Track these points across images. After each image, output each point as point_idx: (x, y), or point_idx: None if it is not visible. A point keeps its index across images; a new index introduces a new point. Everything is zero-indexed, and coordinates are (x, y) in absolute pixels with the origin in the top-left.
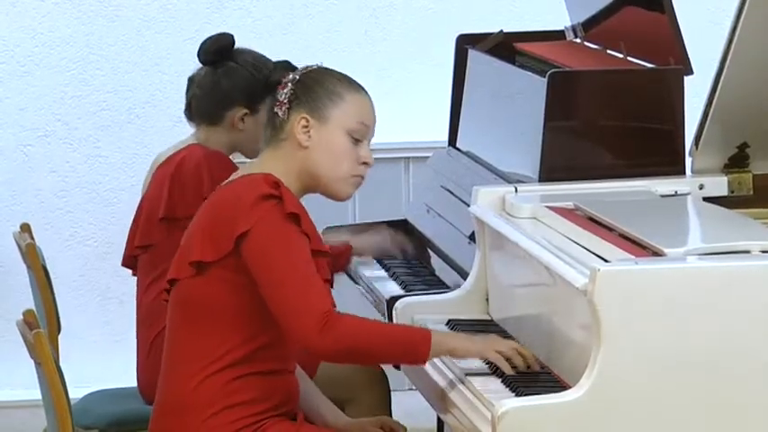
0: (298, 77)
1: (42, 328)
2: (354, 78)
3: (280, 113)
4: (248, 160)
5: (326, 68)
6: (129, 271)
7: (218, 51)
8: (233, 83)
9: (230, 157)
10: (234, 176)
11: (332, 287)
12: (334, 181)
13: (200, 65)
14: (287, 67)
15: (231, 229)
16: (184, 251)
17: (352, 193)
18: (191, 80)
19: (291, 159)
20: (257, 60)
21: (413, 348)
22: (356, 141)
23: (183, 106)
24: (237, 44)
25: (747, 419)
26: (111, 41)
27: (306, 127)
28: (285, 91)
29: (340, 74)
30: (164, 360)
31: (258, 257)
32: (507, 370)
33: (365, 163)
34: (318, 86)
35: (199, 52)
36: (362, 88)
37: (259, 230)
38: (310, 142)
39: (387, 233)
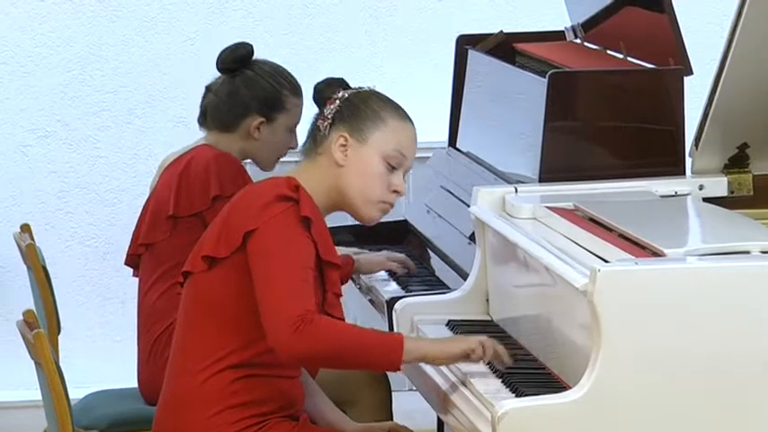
0: (347, 95)
1: (42, 329)
2: (400, 105)
3: (321, 128)
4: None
5: (377, 92)
6: (130, 271)
7: (236, 60)
8: (251, 92)
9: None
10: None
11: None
12: (363, 203)
13: (218, 73)
14: (341, 84)
15: (242, 226)
16: (199, 246)
17: (378, 218)
18: (207, 89)
19: (325, 175)
20: (275, 71)
21: (385, 355)
22: (391, 168)
23: (183, 107)
24: None
25: (747, 419)
26: (112, 42)
27: (344, 145)
28: (332, 107)
29: (390, 99)
30: (171, 354)
31: (257, 255)
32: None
33: (396, 191)
34: (364, 107)
35: (217, 61)
36: (409, 118)
37: (266, 230)
38: (346, 161)
39: (385, 254)
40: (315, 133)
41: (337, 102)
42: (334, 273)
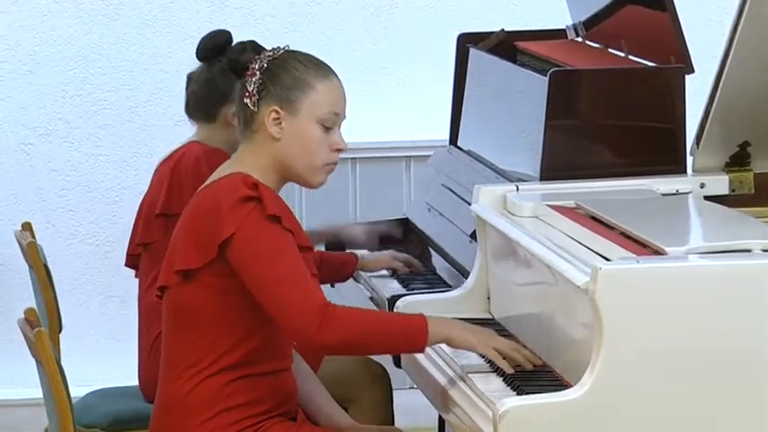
0: (265, 65)
1: (44, 327)
2: (323, 60)
3: (250, 105)
4: None
5: (294, 53)
6: (132, 270)
7: (214, 48)
8: (227, 79)
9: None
10: (214, 176)
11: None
12: (309, 171)
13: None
14: (254, 48)
15: (214, 236)
16: (170, 258)
17: (324, 180)
18: (189, 77)
19: (266, 152)
20: None
21: (411, 337)
22: (327, 129)
23: (183, 105)
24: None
25: (747, 418)
26: (113, 40)
27: (277, 119)
28: (254, 80)
29: (308, 58)
30: (161, 362)
31: (247, 261)
32: (506, 368)
33: (338, 149)
34: (287, 75)
35: (197, 49)
36: (332, 72)
37: (243, 235)
38: (282, 134)
39: (390, 253)
40: (244, 111)
41: (257, 74)
42: (307, 255)
